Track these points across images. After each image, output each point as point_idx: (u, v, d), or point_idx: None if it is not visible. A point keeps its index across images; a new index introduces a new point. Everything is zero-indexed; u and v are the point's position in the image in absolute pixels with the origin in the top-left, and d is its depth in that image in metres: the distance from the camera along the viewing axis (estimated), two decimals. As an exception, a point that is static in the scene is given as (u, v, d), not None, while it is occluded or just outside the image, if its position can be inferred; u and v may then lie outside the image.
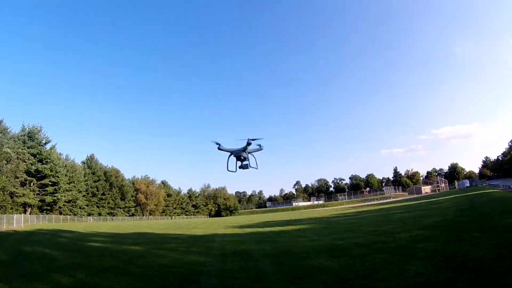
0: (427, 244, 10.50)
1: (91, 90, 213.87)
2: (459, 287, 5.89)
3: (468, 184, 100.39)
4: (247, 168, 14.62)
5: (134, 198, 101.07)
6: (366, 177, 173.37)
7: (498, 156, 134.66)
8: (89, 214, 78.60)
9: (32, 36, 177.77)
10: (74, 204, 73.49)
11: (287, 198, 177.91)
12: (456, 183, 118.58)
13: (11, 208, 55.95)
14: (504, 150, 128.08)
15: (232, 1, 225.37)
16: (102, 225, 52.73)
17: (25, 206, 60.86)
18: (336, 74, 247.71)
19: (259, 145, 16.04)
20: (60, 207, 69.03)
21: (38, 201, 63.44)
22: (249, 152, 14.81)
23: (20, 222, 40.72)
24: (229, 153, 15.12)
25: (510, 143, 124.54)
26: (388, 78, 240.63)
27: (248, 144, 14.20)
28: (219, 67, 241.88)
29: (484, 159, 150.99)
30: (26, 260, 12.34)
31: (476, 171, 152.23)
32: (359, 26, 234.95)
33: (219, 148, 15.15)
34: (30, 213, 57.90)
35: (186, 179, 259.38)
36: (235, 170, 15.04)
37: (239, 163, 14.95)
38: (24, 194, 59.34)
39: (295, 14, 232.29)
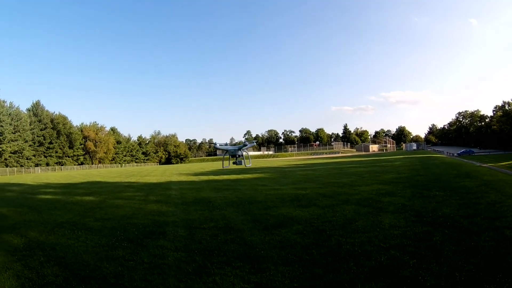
0: (392, 199, 10.84)
1: (35, 31, 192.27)
2: (437, 240, 5.99)
3: (415, 147, 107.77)
4: (241, 164, 15.78)
5: (83, 146, 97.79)
6: (316, 131, 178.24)
7: (444, 125, 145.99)
8: (36, 165, 74.92)
9: None
10: (20, 155, 69.38)
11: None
12: (404, 145, 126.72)
13: (-49, 163, 51.31)
14: (450, 120, 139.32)
15: None
16: (51, 175, 49.83)
17: (-34, 160, 56.28)
18: (293, 27, 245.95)
19: (252, 142, 19.10)
20: (5, 159, 65.04)
21: (-19, 153, 58.64)
22: (242, 148, 16.15)
23: (-39, 177, 37.36)
24: (225, 152, 16.74)
25: (457, 115, 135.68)
26: (342, 38, 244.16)
27: (244, 145, 15.94)
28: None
29: (430, 126, 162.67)
30: (-31, 223, 10.86)
31: (422, 136, 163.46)
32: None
33: (214, 148, 17.86)
34: (-27, 167, 53.55)
35: (136, 125, 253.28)
36: (228, 165, 17.07)
37: (233, 160, 16.29)
38: (-36, 147, 54.55)
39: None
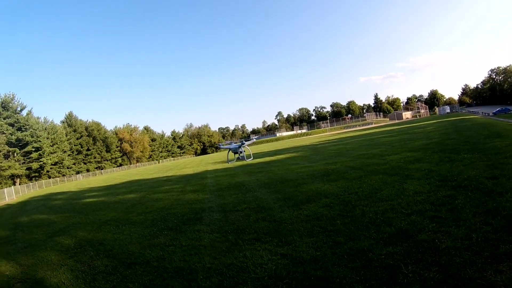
0: (420, 165, 10.82)
1: (58, 46, 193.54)
2: (459, 203, 6.08)
3: (448, 110, 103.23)
4: (244, 159, 17.82)
5: (119, 148, 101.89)
6: (347, 104, 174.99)
7: (477, 84, 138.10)
8: (77, 172, 79.08)
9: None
10: (61, 165, 73.41)
11: (270, 129, 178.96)
12: (437, 109, 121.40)
13: (0, 183, 55.44)
14: (483, 78, 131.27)
15: None
16: (93, 180, 52.86)
17: (13, 178, 60.58)
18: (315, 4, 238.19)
19: (252, 139, 20.39)
20: (48, 171, 68.86)
21: (25, 169, 62.89)
22: (243, 145, 17.94)
23: (11, 195, 40.11)
24: (228, 150, 18.93)
25: (489, 72, 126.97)
26: (364, 5, 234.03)
27: (242, 144, 17.40)
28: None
29: (463, 86, 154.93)
30: (25, 231, 12.11)
31: (456, 98, 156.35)
32: None
33: (219, 147, 20.76)
34: (19, 184, 57.32)
35: (168, 121, 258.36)
36: (234, 160, 18.28)
37: (236, 155, 18.39)
38: (10, 166, 58.67)
39: None
